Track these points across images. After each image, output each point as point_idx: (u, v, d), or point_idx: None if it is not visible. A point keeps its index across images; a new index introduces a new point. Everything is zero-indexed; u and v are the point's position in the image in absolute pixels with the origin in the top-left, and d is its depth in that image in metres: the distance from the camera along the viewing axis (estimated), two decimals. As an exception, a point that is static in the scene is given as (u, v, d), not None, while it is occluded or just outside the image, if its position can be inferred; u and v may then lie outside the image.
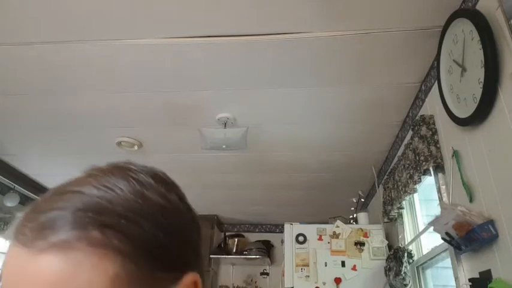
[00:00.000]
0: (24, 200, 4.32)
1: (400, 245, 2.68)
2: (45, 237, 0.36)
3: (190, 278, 0.43)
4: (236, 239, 4.64)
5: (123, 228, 0.38)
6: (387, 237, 2.95)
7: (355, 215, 3.34)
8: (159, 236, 0.40)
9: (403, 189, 2.35)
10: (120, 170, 0.43)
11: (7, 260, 0.39)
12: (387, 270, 2.64)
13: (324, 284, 2.81)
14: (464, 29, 1.53)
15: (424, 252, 2.41)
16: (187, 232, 0.45)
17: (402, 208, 2.66)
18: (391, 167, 2.75)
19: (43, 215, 0.38)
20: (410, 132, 2.21)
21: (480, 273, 1.52)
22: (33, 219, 0.38)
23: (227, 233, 4.81)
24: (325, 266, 2.87)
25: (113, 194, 0.40)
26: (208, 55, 1.97)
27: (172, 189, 0.46)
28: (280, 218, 4.37)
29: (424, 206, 2.60)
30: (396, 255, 2.55)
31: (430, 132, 1.97)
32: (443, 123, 1.90)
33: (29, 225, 0.38)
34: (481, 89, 1.41)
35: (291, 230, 3.05)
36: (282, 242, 3.31)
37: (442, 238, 1.71)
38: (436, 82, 1.86)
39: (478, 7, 1.47)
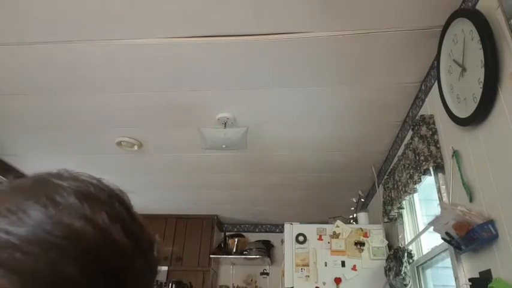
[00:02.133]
0: (24, 200, 4.33)
1: (400, 245, 2.68)
2: None
3: None
4: (236, 239, 4.64)
5: (16, 263, 0.31)
6: (387, 237, 2.95)
7: (355, 215, 3.34)
8: (68, 271, 0.32)
9: (403, 189, 2.35)
10: (37, 187, 0.37)
11: None
12: (387, 270, 2.64)
13: (324, 284, 2.81)
14: (464, 29, 1.53)
15: (424, 252, 2.41)
16: (115, 261, 0.36)
17: (402, 208, 2.66)
18: (391, 167, 2.75)
19: None
20: (410, 132, 2.21)
21: (480, 273, 1.52)
22: None
23: (227, 233, 4.81)
24: (325, 266, 2.87)
25: (14, 220, 0.33)
26: (208, 55, 1.97)
27: (103, 207, 0.38)
28: (280, 218, 4.37)
29: (424, 206, 2.60)
30: (396, 255, 2.55)
31: (430, 132, 1.97)
32: (443, 123, 1.90)
33: None
34: (481, 89, 1.41)
35: (291, 230, 3.05)
36: (282, 242, 3.31)
37: (442, 238, 1.71)
38: (436, 82, 1.86)
39: (478, 7, 1.48)
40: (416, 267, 2.51)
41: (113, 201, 0.41)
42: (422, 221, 2.55)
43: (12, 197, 0.35)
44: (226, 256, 4.51)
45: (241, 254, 4.50)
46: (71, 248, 0.33)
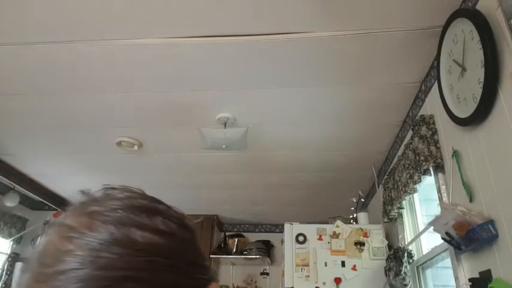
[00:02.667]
0: (24, 200, 4.33)
1: (400, 245, 2.68)
2: None
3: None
4: (236, 239, 4.64)
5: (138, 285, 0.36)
6: (387, 237, 2.95)
7: (355, 215, 3.34)
8: (169, 278, 0.39)
9: (403, 189, 2.35)
10: (93, 219, 0.39)
11: None
12: (387, 270, 2.64)
13: (324, 284, 2.81)
14: (464, 29, 1.53)
15: (424, 252, 2.41)
16: (191, 255, 0.44)
17: (402, 208, 2.66)
18: (391, 167, 2.75)
19: None
20: (410, 132, 2.21)
21: (480, 273, 1.52)
22: None
23: (227, 233, 4.81)
24: (325, 266, 2.87)
25: (104, 257, 0.36)
26: (209, 55, 1.97)
27: (156, 212, 0.42)
28: (280, 218, 4.37)
29: (424, 206, 2.60)
30: (396, 255, 2.55)
31: (430, 132, 1.97)
32: (443, 123, 1.90)
33: None
34: (481, 89, 1.41)
35: (291, 230, 3.05)
36: (282, 242, 3.32)
37: (442, 238, 1.71)
38: (436, 82, 1.86)
39: (478, 7, 1.48)
40: (416, 267, 2.51)
41: (154, 205, 0.44)
42: (422, 221, 2.55)
43: (86, 240, 0.38)
44: (226, 256, 4.51)
45: (241, 254, 4.50)
46: (162, 260, 0.39)
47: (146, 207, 0.42)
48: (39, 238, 4.37)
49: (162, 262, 0.39)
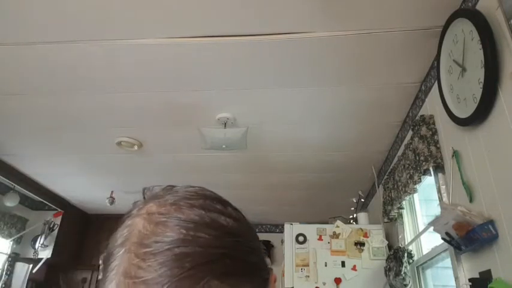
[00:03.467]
0: (24, 200, 4.33)
1: (400, 245, 2.68)
2: None
3: (273, 276, 0.48)
4: (236, 239, 4.64)
5: (231, 267, 0.40)
6: (387, 237, 2.95)
7: (355, 215, 3.34)
8: (254, 259, 0.44)
9: (403, 189, 2.35)
10: (177, 206, 0.43)
11: None
12: (387, 270, 2.64)
13: (324, 284, 2.81)
14: (464, 29, 1.53)
15: (424, 252, 2.41)
16: (257, 241, 0.48)
17: (402, 208, 2.66)
18: (391, 167, 2.75)
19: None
20: (410, 132, 2.21)
21: (480, 273, 1.52)
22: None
23: (227, 233, 4.81)
24: (325, 266, 2.87)
25: (202, 238, 0.40)
26: (209, 55, 1.97)
27: (222, 202, 0.47)
28: (280, 218, 4.37)
29: (424, 206, 2.60)
30: (396, 255, 2.55)
31: (430, 132, 1.97)
32: (443, 123, 1.90)
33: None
34: (481, 89, 1.41)
35: (291, 230, 3.05)
36: (282, 242, 3.31)
37: (442, 238, 1.71)
38: (436, 82, 1.86)
39: (478, 7, 1.48)
40: (416, 267, 2.51)
41: (218, 196, 0.48)
42: (422, 221, 2.55)
43: (187, 223, 0.41)
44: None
45: (241, 254, 4.50)
46: (249, 243, 0.44)
47: (217, 198, 0.47)
48: (38, 240, 4.36)
49: (246, 244, 0.44)
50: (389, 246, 2.87)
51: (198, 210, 0.42)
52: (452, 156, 1.76)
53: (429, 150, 1.94)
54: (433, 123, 1.99)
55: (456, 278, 1.72)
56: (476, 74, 1.45)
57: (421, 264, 2.46)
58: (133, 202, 0.46)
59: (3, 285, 4.08)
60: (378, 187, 3.24)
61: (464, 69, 1.56)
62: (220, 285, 0.37)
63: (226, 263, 0.39)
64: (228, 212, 0.45)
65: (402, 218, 2.76)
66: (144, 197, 0.48)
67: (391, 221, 2.89)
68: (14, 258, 4.28)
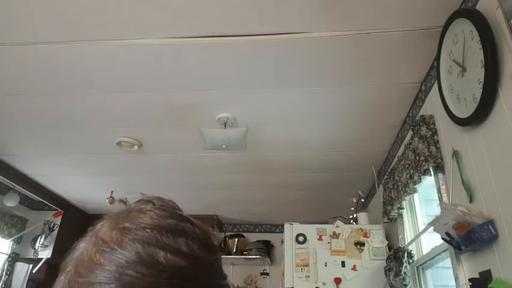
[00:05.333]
0: (24, 200, 4.33)
1: (400, 245, 2.68)
2: None
3: None
4: (236, 239, 4.64)
5: None
6: (387, 237, 2.95)
7: (355, 215, 3.34)
8: None
9: (403, 189, 2.35)
10: (125, 236, 0.42)
11: None
12: (387, 270, 2.64)
13: (324, 284, 2.81)
14: (464, 29, 1.53)
15: (424, 252, 2.41)
16: (209, 277, 0.45)
17: (402, 208, 2.66)
18: (391, 167, 2.75)
19: None
20: (410, 132, 2.21)
21: (480, 273, 1.52)
22: None
23: (227, 233, 4.81)
24: (325, 266, 2.87)
25: (129, 275, 0.39)
26: (209, 55, 1.97)
27: (181, 232, 0.45)
28: (280, 218, 4.37)
29: (424, 206, 2.59)
30: (396, 255, 2.55)
31: (430, 132, 1.97)
32: (443, 123, 1.90)
33: None
34: (481, 89, 1.41)
35: (291, 230, 3.05)
36: (282, 242, 3.32)
37: (442, 238, 1.71)
38: (436, 82, 1.86)
39: (478, 7, 1.48)
40: (416, 267, 2.51)
41: (182, 224, 0.46)
42: (422, 221, 2.55)
43: (115, 255, 0.41)
44: (226, 256, 4.51)
45: (241, 254, 4.50)
46: (182, 283, 0.41)
47: (172, 228, 0.44)
48: (38, 240, 4.36)
49: (183, 285, 0.41)
50: (390, 246, 2.87)
51: (137, 245, 0.41)
52: (452, 156, 1.76)
53: (429, 150, 1.94)
54: (433, 123, 1.99)
55: (456, 278, 1.72)
56: (476, 74, 1.45)
57: (421, 264, 2.46)
58: (103, 218, 0.47)
59: (3, 285, 4.08)
60: (378, 187, 3.24)
61: (464, 69, 1.56)
62: None
63: None
64: (176, 247, 0.43)
65: (402, 218, 2.76)
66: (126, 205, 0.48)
67: (391, 221, 2.89)
68: (14, 258, 4.28)
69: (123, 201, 0.49)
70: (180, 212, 0.49)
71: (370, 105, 2.38)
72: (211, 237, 0.49)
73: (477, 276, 1.54)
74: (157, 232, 0.43)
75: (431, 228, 1.79)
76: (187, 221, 0.47)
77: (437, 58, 1.79)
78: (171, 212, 0.47)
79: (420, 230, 2.51)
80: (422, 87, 2.16)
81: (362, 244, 2.91)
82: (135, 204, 0.48)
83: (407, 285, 2.42)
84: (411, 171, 2.17)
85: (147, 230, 0.43)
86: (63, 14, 1.72)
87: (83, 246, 0.45)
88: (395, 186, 2.55)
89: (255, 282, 4.68)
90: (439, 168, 1.90)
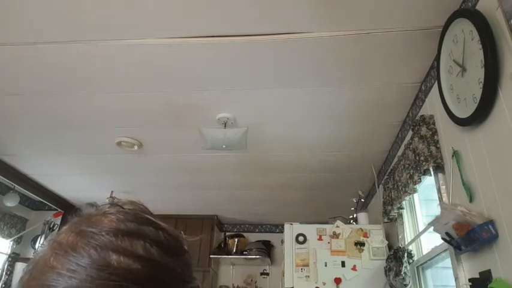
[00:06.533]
0: (24, 200, 4.33)
1: (400, 245, 2.68)
2: None
3: None
4: (236, 239, 4.64)
5: None
6: (387, 237, 2.95)
7: (355, 215, 3.34)
8: None
9: (403, 189, 2.35)
10: (80, 241, 0.42)
11: None
12: (387, 270, 2.64)
13: (324, 284, 2.81)
14: (464, 29, 1.53)
15: (424, 252, 2.41)
16: (167, 281, 0.44)
17: (402, 208, 2.66)
18: (391, 167, 2.75)
19: None
20: (410, 132, 2.21)
21: (480, 273, 1.52)
22: None
23: (227, 233, 4.81)
24: (325, 266, 2.87)
25: (79, 277, 0.39)
26: (209, 55, 1.97)
27: (140, 236, 0.44)
28: (280, 218, 4.37)
29: (424, 206, 2.59)
30: (396, 255, 2.55)
31: (430, 132, 1.97)
32: (443, 123, 1.90)
33: None
34: (481, 89, 1.41)
35: (291, 230, 3.05)
36: (282, 242, 3.31)
37: (442, 238, 1.71)
38: (436, 82, 1.86)
39: (478, 7, 1.48)
40: (416, 267, 2.51)
41: (144, 226, 0.45)
42: (422, 221, 2.55)
43: (67, 258, 0.41)
44: (226, 256, 4.52)
45: (241, 254, 4.50)
46: (123, 282, 0.39)
47: (131, 231, 0.44)
48: (38, 240, 4.37)
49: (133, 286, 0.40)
50: (390, 246, 2.87)
51: (91, 250, 0.41)
52: (452, 156, 1.75)
53: (429, 150, 1.94)
54: (433, 123, 1.99)
55: (456, 278, 1.72)
56: (476, 74, 1.45)
57: (421, 264, 2.46)
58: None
59: (3, 285, 4.08)
60: (378, 187, 3.24)
61: (464, 69, 1.56)
62: None
63: None
64: (131, 250, 0.42)
65: (402, 218, 2.76)
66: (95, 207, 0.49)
67: (391, 221, 2.89)
68: (14, 258, 4.28)
69: (92, 204, 0.49)
70: (147, 216, 0.48)
71: (370, 105, 2.38)
72: (179, 241, 0.48)
73: (477, 276, 1.54)
74: (113, 235, 0.43)
75: (431, 228, 1.79)
76: (151, 224, 0.46)
77: (437, 58, 1.79)
78: (134, 215, 0.47)
79: (420, 230, 2.51)
80: (422, 87, 2.16)
81: (362, 244, 2.91)
82: (102, 207, 0.48)
83: (407, 285, 2.42)
84: (411, 171, 2.17)
85: (103, 234, 0.43)
86: (63, 14, 1.72)
87: (42, 251, 0.45)
88: (395, 186, 2.55)
89: (255, 282, 4.68)
90: (439, 168, 1.90)
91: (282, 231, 3.29)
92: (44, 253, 0.44)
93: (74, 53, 1.98)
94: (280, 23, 1.76)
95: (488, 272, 1.46)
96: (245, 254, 4.46)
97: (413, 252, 2.52)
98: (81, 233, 0.43)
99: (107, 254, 0.41)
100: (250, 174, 3.49)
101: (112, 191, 3.94)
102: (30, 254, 4.35)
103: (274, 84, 2.21)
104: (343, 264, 2.86)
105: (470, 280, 1.59)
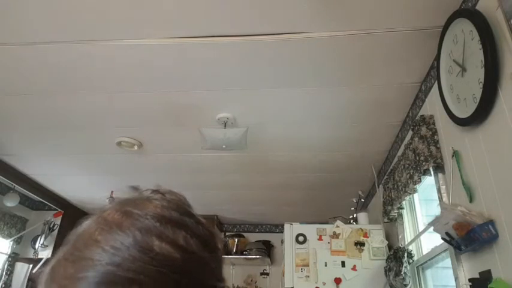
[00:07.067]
0: (24, 200, 4.33)
1: (400, 245, 2.68)
2: None
3: None
4: (236, 239, 4.64)
5: None
6: (387, 237, 2.95)
7: (355, 215, 3.34)
8: None
9: (403, 189, 2.35)
10: (126, 221, 0.44)
11: None
12: (387, 270, 2.64)
13: (324, 284, 2.81)
14: (464, 29, 1.53)
15: (424, 252, 2.41)
16: (203, 271, 0.45)
17: (402, 208, 2.66)
18: (391, 167, 2.75)
19: (68, 282, 0.40)
20: (410, 132, 2.21)
21: (480, 273, 1.52)
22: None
23: (227, 233, 4.81)
24: (325, 266, 2.87)
25: (121, 255, 0.40)
26: (209, 55, 1.97)
27: (182, 227, 0.45)
28: (280, 218, 4.37)
29: (424, 206, 2.60)
30: (396, 255, 2.55)
31: (430, 132, 1.97)
32: (443, 123, 1.90)
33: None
34: (481, 89, 1.41)
35: (291, 230, 3.05)
36: (282, 242, 3.32)
37: (442, 238, 1.71)
38: (436, 82, 1.86)
39: (478, 7, 1.48)
40: (416, 267, 2.51)
41: (186, 219, 0.47)
42: (422, 221, 2.55)
43: (112, 235, 0.42)
44: (226, 256, 4.51)
45: (241, 254, 4.50)
46: (171, 275, 0.41)
47: (174, 220, 0.45)
48: (38, 240, 4.36)
49: (170, 275, 0.41)
50: (390, 246, 2.87)
51: (136, 231, 0.42)
52: (452, 156, 1.76)
53: (429, 150, 1.94)
54: (433, 123, 1.99)
55: (456, 278, 1.72)
56: (476, 74, 1.45)
57: (421, 264, 2.46)
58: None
59: (3, 285, 4.08)
60: (378, 187, 3.24)
61: (464, 69, 1.56)
62: None
63: None
64: (173, 238, 0.43)
65: (402, 218, 2.76)
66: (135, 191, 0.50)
67: (391, 221, 2.89)
68: (14, 258, 4.28)
69: (135, 188, 0.50)
70: (187, 208, 0.50)
71: (370, 105, 2.38)
72: (214, 237, 0.49)
73: (477, 276, 1.54)
74: (157, 221, 0.44)
75: (431, 228, 1.79)
76: (191, 216, 0.48)
77: (437, 58, 1.79)
78: (177, 205, 0.48)
79: (420, 230, 2.51)
80: (422, 87, 2.16)
81: (362, 244, 2.91)
82: (145, 192, 0.50)
83: (407, 285, 2.42)
84: (411, 171, 2.17)
85: (148, 218, 0.44)
86: (64, 14, 1.72)
87: (86, 223, 0.46)
88: (395, 186, 2.55)
89: (255, 282, 4.68)
90: (439, 168, 1.90)
91: (282, 231, 3.29)
92: (89, 227, 0.45)
93: (74, 53, 1.98)
94: (280, 23, 1.76)
95: (488, 272, 1.46)
96: (245, 254, 4.46)
97: (413, 252, 2.52)
98: (126, 213, 0.45)
99: (150, 238, 0.42)
100: (250, 174, 3.49)
101: (112, 191, 3.95)
102: (30, 254, 4.35)
103: (274, 84, 2.21)
104: (343, 264, 2.86)
105: (470, 280, 1.59)
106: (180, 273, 0.42)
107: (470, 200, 1.60)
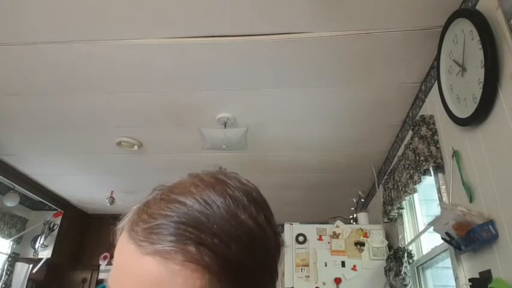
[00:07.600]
0: (24, 200, 4.33)
1: (400, 245, 2.68)
2: (152, 242, 0.41)
3: None
4: (236, 239, 4.64)
5: (215, 247, 0.41)
6: (387, 237, 2.95)
7: (355, 215, 3.34)
8: (245, 260, 0.43)
9: (403, 189, 2.35)
10: (220, 185, 0.47)
11: (119, 248, 0.45)
12: (387, 270, 2.64)
13: (324, 284, 2.81)
14: (464, 29, 1.53)
15: (424, 252, 2.41)
16: (269, 258, 0.48)
17: (402, 208, 2.66)
18: (391, 167, 2.75)
19: (152, 219, 0.44)
20: (410, 132, 2.21)
21: (480, 273, 1.52)
22: (144, 221, 0.44)
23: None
24: (325, 266, 2.87)
25: (211, 210, 0.43)
26: (209, 55, 1.97)
27: (262, 209, 0.49)
28: (280, 218, 4.34)
29: (424, 206, 2.60)
30: (396, 255, 2.55)
31: (430, 132, 1.97)
32: (443, 123, 1.90)
33: (141, 225, 0.44)
34: (481, 89, 1.41)
35: (291, 230, 3.05)
36: (282, 242, 3.31)
37: (442, 238, 1.71)
38: (436, 82, 1.86)
39: (478, 7, 1.48)
40: (416, 267, 2.51)
41: (266, 204, 0.52)
42: (422, 221, 2.55)
43: (207, 192, 0.46)
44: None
45: (241, 254, 4.50)
46: (248, 243, 0.44)
47: (259, 201, 0.50)
48: (38, 240, 4.36)
49: (247, 246, 0.43)
50: (390, 246, 2.87)
51: (227, 197, 0.46)
52: (452, 156, 1.76)
53: (429, 150, 1.94)
54: (433, 123, 1.99)
55: (456, 278, 1.72)
56: (476, 74, 1.45)
57: (421, 264, 2.46)
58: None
59: (3, 285, 4.08)
60: (378, 187, 3.24)
61: (464, 69, 1.56)
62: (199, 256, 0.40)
63: (213, 242, 0.41)
64: (255, 216, 0.46)
65: (402, 218, 2.76)
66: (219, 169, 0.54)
67: (391, 221, 2.89)
68: (14, 258, 4.28)
69: (219, 167, 0.53)
70: (265, 199, 0.54)
71: (370, 105, 2.38)
72: (279, 236, 0.52)
73: (477, 276, 1.54)
74: (245, 195, 0.48)
75: (431, 228, 1.79)
76: (268, 206, 0.52)
77: (437, 58, 1.79)
78: (256, 190, 0.53)
79: (420, 230, 2.51)
80: (422, 87, 2.16)
81: (362, 244, 2.91)
82: (224, 170, 0.53)
83: (407, 285, 2.42)
84: (411, 171, 2.17)
85: (238, 189, 0.48)
86: (64, 14, 1.72)
87: (180, 178, 0.51)
88: (395, 186, 2.55)
89: (255, 282, 4.67)
90: (439, 168, 1.90)
91: (282, 231, 3.29)
92: (184, 181, 0.49)
93: (74, 53, 1.98)
94: (280, 23, 1.76)
95: (488, 272, 1.46)
96: (245, 254, 4.46)
97: (413, 252, 2.52)
98: (219, 180, 0.48)
99: (238, 207, 0.45)
100: (250, 174, 3.47)
101: (112, 191, 3.95)
102: (30, 254, 4.35)
103: (274, 84, 2.21)
104: (343, 264, 2.86)
105: (470, 280, 1.59)
106: (253, 249, 0.44)
107: (470, 200, 1.60)
